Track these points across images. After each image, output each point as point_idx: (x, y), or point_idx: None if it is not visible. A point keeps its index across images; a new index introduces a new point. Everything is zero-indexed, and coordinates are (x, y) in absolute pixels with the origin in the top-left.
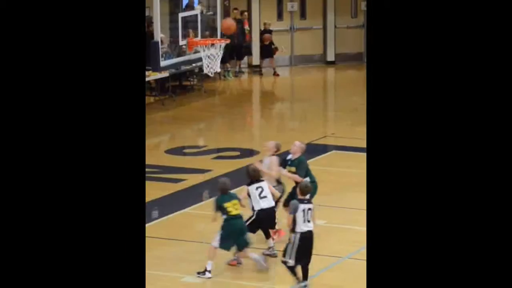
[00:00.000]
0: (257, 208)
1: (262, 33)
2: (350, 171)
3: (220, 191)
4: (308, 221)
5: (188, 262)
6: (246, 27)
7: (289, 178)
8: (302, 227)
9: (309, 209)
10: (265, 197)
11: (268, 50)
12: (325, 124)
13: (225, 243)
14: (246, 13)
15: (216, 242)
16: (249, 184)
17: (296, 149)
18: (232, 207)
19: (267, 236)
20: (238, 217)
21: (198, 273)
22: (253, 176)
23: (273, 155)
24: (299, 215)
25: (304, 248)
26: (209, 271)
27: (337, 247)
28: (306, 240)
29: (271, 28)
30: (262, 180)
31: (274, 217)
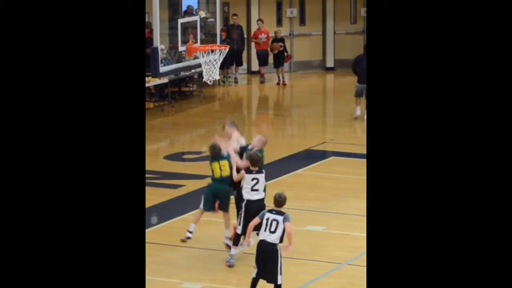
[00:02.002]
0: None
1: (272, 41)
2: (349, 177)
3: (211, 155)
4: (255, 190)
5: (188, 268)
6: (263, 36)
7: (235, 163)
8: (247, 196)
9: (255, 179)
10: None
11: (277, 60)
12: (324, 130)
13: (205, 205)
14: (261, 22)
15: (201, 204)
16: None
17: (256, 142)
18: (217, 169)
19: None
20: (220, 179)
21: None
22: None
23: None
24: (246, 184)
25: (249, 215)
26: (190, 232)
27: (336, 253)
28: (250, 208)
29: (282, 36)
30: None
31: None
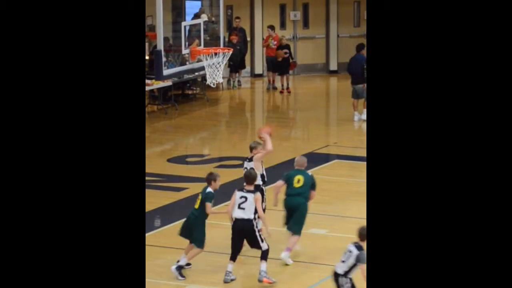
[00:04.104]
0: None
1: (277, 48)
2: (352, 180)
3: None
4: (241, 209)
5: (190, 271)
6: (274, 41)
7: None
8: (234, 214)
9: (243, 197)
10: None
11: (282, 67)
12: (328, 133)
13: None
14: (271, 29)
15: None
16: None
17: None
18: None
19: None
20: (192, 211)
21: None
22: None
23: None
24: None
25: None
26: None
27: (338, 256)
28: (234, 227)
29: (287, 43)
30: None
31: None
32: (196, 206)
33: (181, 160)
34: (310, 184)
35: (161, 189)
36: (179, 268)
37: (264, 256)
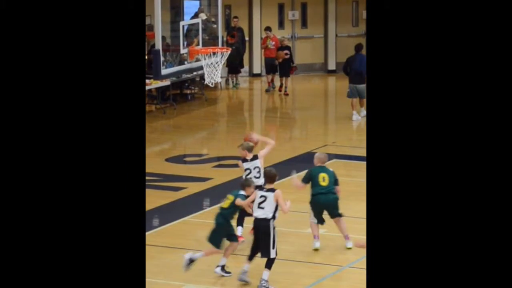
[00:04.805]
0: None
1: (277, 49)
2: (351, 180)
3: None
4: (260, 208)
5: (188, 271)
6: (272, 42)
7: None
8: (254, 214)
9: (263, 196)
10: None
11: (283, 68)
12: (326, 133)
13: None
14: (269, 30)
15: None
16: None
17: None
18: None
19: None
20: (221, 211)
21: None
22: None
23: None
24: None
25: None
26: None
27: (338, 256)
28: (255, 226)
29: (288, 44)
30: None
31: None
32: (226, 205)
33: (179, 159)
34: (334, 180)
35: (159, 188)
36: (223, 268)
37: (269, 264)
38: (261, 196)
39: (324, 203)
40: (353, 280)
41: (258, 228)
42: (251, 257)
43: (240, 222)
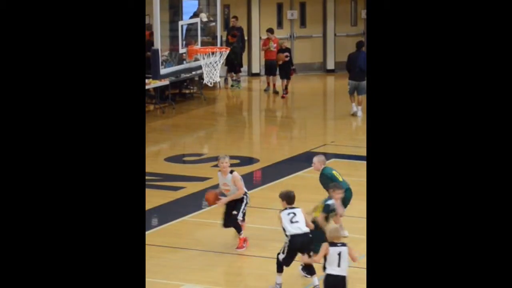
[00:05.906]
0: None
1: (277, 52)
2: (349, 179)
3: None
4: (294, 222)
5: (188, 270)
6: (274, 44)
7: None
8: (290, 232)
9: (291, 213)
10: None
11: (283, 71)
12: (325, 132)
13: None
14: (270, 32)
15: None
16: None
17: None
18: None
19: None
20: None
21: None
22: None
23: None
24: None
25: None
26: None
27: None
28: (293, 242)
29: (288, 46)
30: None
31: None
32: (317, 214)
33: (178, 159)
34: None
35: (158, 188)
36: (305, 269)
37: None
38: (289, 213)
39: (349, 199)
40: (353, 279)
41: (301, 244)
42: (282, 269)
43: None
